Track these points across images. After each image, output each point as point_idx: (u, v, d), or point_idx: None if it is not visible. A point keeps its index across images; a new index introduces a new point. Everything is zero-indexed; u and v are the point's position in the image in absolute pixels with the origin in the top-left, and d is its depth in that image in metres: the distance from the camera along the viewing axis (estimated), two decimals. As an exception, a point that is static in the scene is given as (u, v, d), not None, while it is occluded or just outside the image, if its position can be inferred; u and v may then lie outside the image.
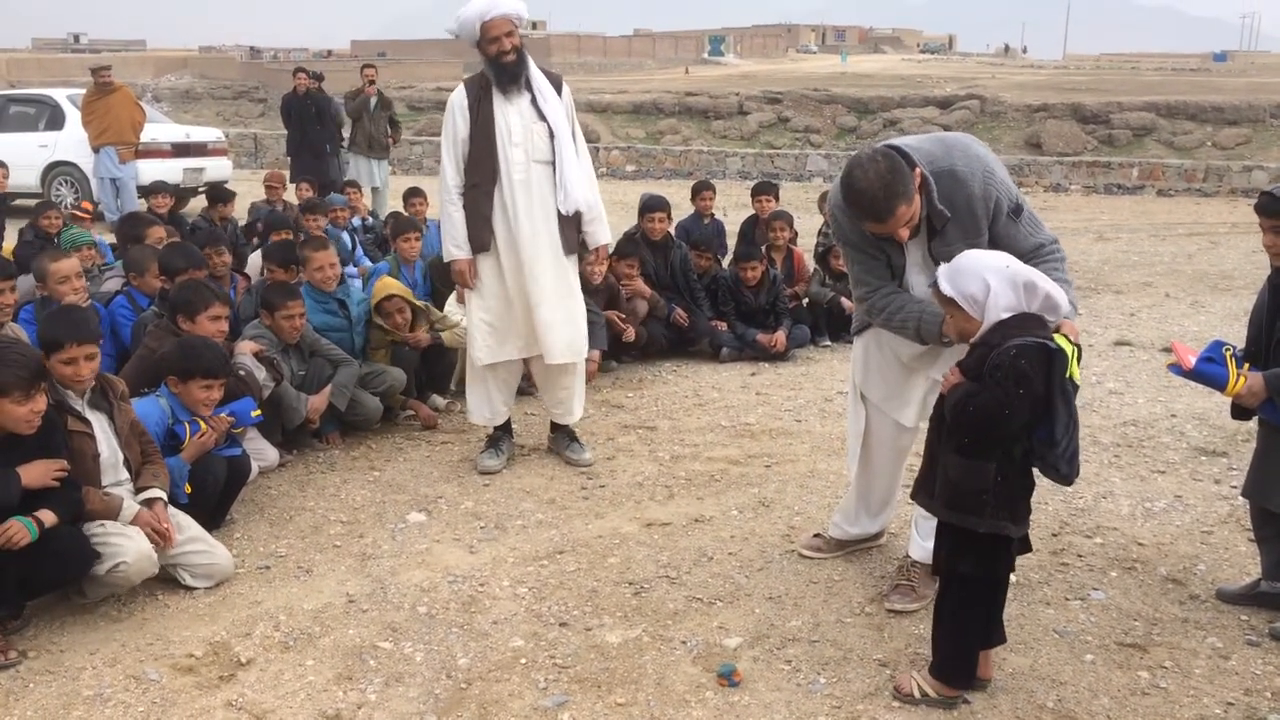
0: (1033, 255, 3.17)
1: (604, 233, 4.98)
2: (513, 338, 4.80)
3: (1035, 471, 2.91)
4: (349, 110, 12.32)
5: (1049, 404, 2.76)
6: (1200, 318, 8.23)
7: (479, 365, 4.87)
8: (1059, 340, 2.77)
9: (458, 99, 4.66)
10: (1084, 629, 3.45)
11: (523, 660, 3.25)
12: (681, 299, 7.21)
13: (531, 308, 4.71)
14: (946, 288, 2.84)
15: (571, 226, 4.78)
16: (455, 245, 4.70)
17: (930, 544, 3.55)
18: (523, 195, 4.62)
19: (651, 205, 7.35)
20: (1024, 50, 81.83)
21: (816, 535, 4.06)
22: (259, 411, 4.41)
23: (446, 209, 4.69)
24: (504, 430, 5.10)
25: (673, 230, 7.66)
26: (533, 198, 4.63)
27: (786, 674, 3.18)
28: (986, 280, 2.78)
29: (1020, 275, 2.79)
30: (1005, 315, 2.78)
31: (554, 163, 4.64)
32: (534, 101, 4.62)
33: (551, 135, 4.62)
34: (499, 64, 4.57)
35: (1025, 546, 2.96)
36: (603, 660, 3.26)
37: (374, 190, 12.26)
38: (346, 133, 12.64)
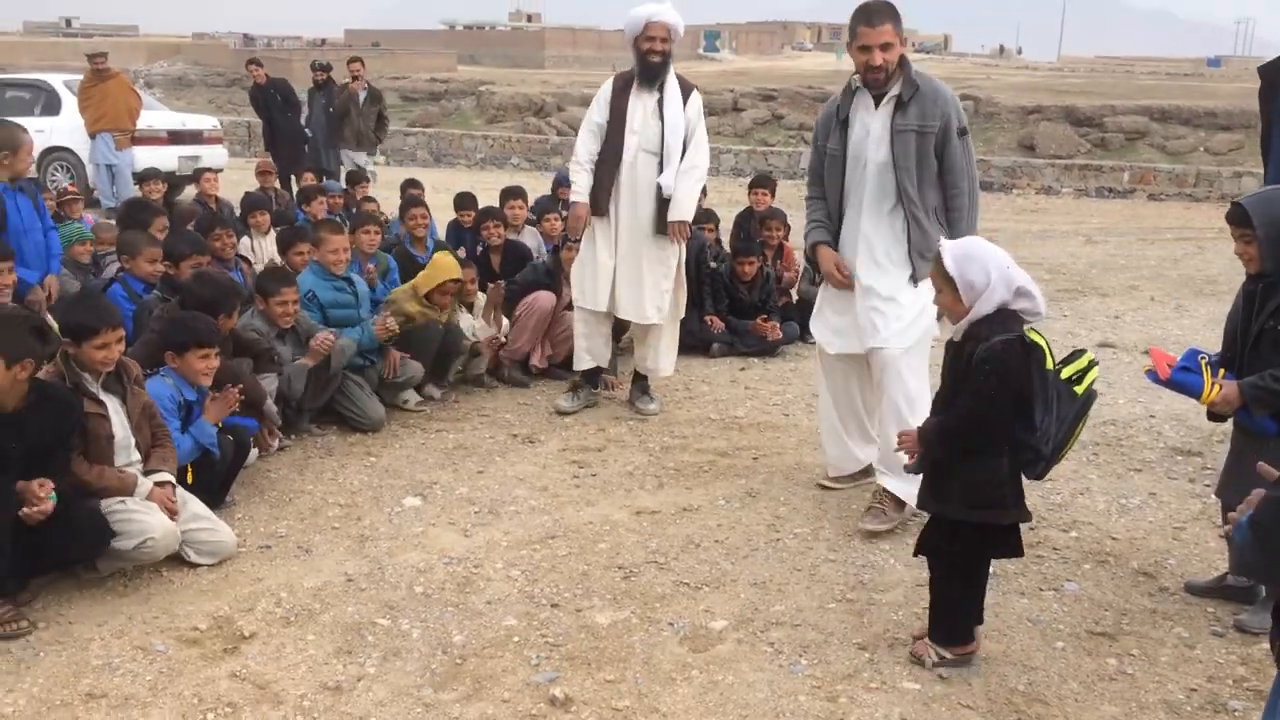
0: (956, 177, 4.08)
1: (680, 212, 5.45)
2: (597, 292, 5.57)
3: None
4: (336, 107, 12.26)
5: (1030, 393, 2.95)
6: (1184, 321, 8.36)
7: (576, 307, 5.73)
8: (1032, 336, 2.99)
9: (604, 90, 5.54)
10: (1056, 618, 3.59)
11: (515, 638, 3.37)
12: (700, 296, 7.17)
13: (615, 268, 5.52)
14: (951, 266, 2.99)
15: None
16: (577, 194, 5.53)
17: (892, 480, 4.16)
18: (627, 174, 5.44)
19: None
20: (1019, 51, 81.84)
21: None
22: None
23: (574, 172, 5.55)
24: (588, 379, 5.85)
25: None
26: (637, 179, 5.43)
27: (769, 655, 3.31)
28: (989, 273, 2.95)
29: (1016, 279, 2.97)
30: (990, 310, 2.96)
31: (660, 155, 5.40)
32: (660, 101, 5.41)
33: (663, 133, 5.38)
34: (645, 61, 5.39)
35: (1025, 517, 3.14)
36: (593, 640, 3.38)
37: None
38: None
